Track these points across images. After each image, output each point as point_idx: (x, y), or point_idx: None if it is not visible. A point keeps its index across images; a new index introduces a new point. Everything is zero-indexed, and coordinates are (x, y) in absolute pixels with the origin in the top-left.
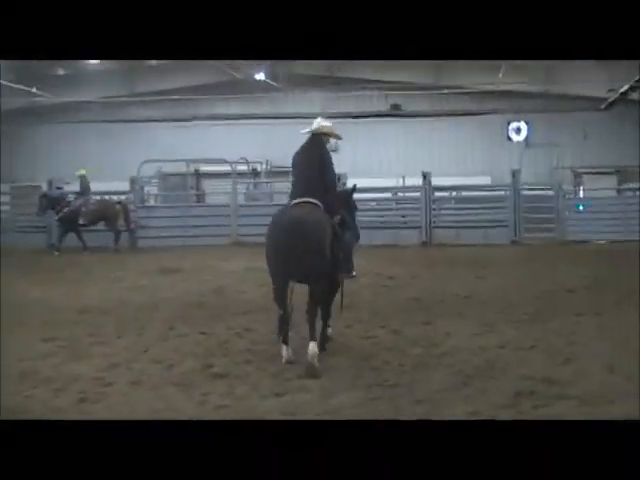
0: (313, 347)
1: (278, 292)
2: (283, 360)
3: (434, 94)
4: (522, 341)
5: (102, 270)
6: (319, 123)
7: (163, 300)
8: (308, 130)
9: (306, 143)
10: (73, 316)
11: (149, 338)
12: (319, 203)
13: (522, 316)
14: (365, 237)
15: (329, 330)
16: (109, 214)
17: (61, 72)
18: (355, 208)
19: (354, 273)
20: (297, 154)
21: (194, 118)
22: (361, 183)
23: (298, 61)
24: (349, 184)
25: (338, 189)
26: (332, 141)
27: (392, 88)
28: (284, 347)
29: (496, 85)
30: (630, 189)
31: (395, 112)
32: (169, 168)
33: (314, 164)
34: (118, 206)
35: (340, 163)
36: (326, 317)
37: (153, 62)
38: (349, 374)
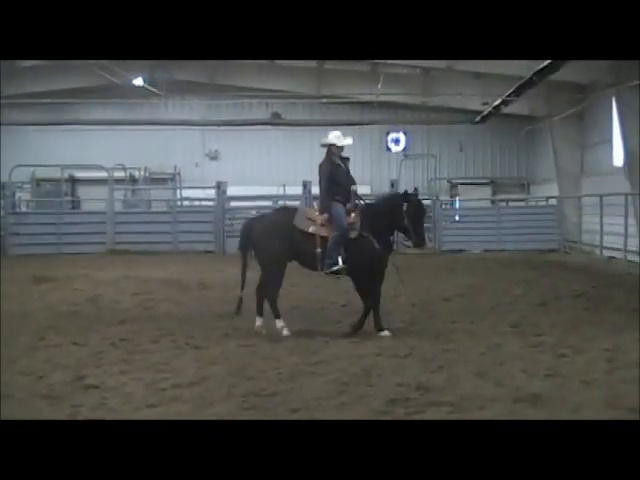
0: (258, 320)
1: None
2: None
3: (315, 103)
4: (398, 349)
5: None
6: (327, 136)
7: (34, 310)
8: (322, 144)
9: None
10: None
11: (17, 349)
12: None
13: (398, 324)
14: None
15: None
16: None
17: None
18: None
19: (334, 268)
20: None
21: (68, 122)
22: (241, 191)
23: (178, 67)
24: (231, 192)
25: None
26: (213, 149)
27: (273, 97)
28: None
29: (375, 96)
30: (503, 199)
31: (276, 121)
32: (42, 174)
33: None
34: None
35: (221, 171)
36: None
37: (26, 63)
38: (225, 383)
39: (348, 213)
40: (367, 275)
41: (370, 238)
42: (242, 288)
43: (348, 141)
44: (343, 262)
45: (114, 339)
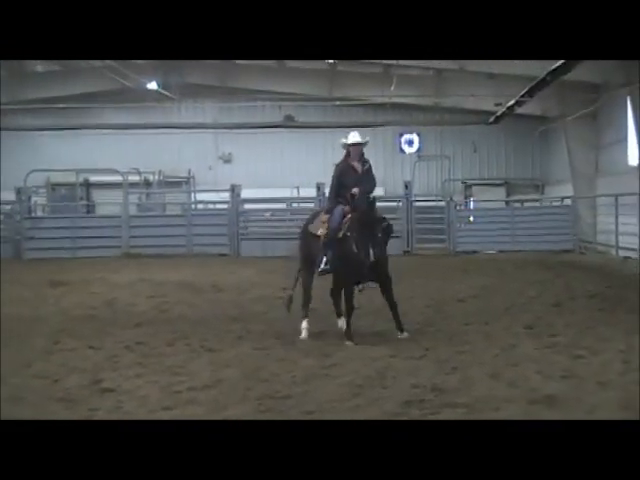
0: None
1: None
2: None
3: (327, 106)
4: (412, 350)
5: None
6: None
7: (49, 313)
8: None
9: None
10: None
11: (32, 353)
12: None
13: (413, 325)
14: (259, 248)
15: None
16: None
17: None
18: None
19: (319, 269)
20: None
21: (83, 127)
22: (255, 194)
23: (190, 70)
24: (245, 195)
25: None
26: (226, 152)
27: (285, 99)
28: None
29: (388, 97)
30: (517, 200)
31: (289, 123)
32: (58, 178)
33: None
34: None
35: (234, 174)
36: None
37: (38, 68)
38: (240, 386)
39: (345, 214)
40: (347, 276)
41: (351, 240)
42: (293, 287)
43: (358, 138)
44: (327, 262)
45: (129, 342)
